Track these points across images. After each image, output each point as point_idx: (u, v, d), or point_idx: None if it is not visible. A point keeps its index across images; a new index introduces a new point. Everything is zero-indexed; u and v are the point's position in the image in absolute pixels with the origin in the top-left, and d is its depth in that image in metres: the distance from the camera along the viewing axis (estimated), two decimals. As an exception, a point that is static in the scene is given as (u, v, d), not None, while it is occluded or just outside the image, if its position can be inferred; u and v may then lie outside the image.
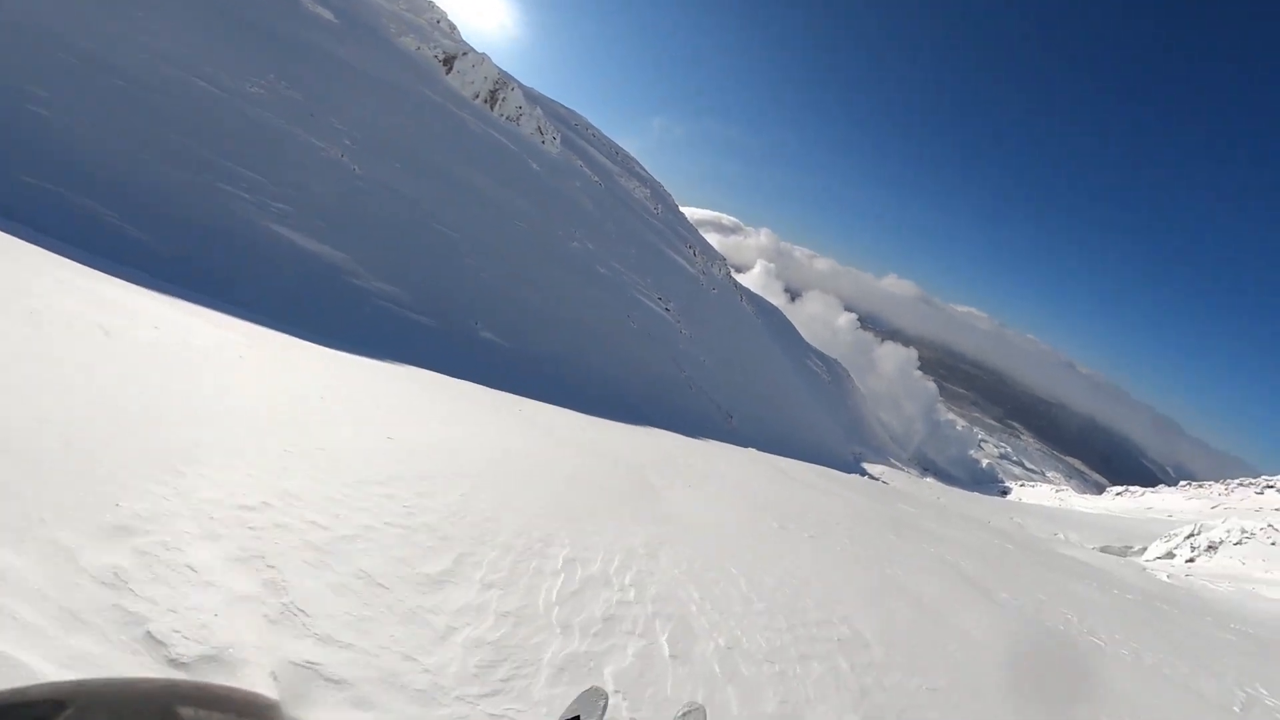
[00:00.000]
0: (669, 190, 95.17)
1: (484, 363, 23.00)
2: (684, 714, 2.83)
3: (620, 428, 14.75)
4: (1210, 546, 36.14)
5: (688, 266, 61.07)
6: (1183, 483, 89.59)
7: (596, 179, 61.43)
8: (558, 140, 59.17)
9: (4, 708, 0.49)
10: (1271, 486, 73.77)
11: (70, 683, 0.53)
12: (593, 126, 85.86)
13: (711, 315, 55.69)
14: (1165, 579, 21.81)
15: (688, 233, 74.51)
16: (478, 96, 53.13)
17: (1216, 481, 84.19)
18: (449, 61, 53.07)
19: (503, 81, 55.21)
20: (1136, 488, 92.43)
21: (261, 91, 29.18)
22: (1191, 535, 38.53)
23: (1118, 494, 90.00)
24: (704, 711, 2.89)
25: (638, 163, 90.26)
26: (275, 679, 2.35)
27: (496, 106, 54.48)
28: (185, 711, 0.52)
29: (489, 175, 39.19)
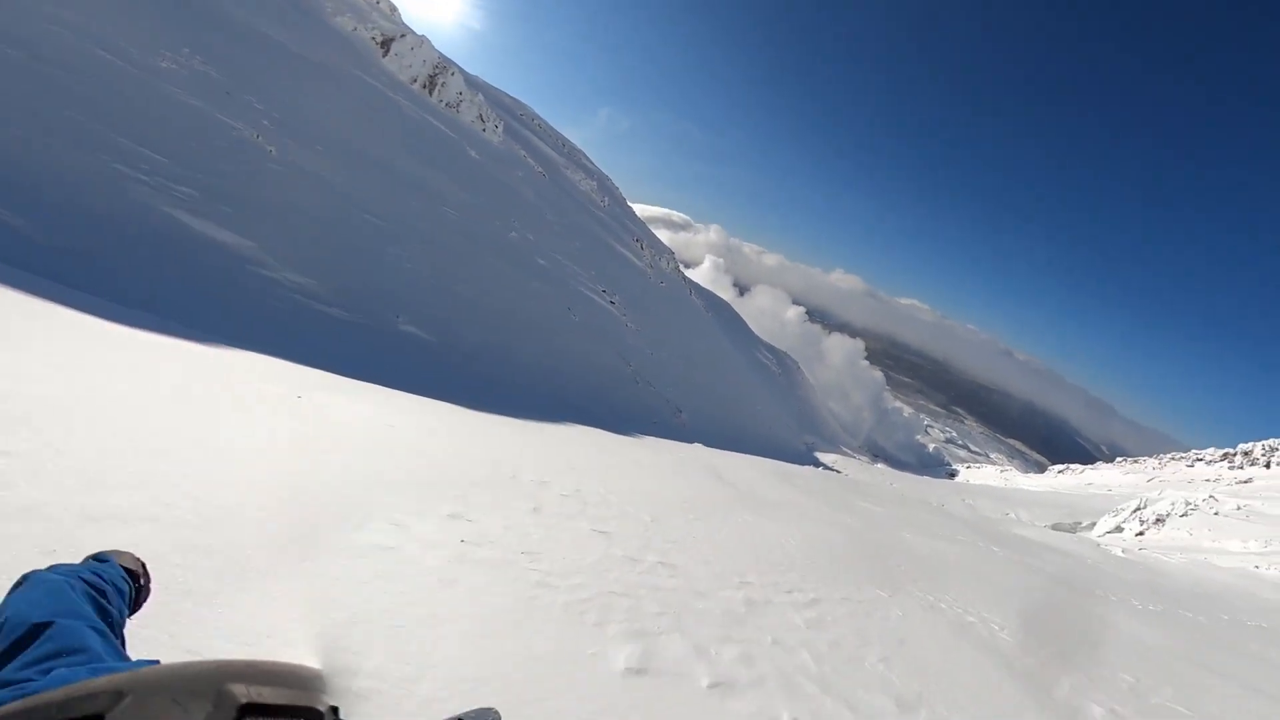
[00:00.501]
0: (618, 185, 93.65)
1: (402, 358, 21.04)
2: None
3: (531, 430, 13.10)
4: (1158, 519, 37.03)
5: (635, 260, 59.63)
6: (1119, 459, 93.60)
7: (540, 170, 59.48)
8: (500, 129, 56.96)
9: (67, 701, 0.53)
10: (1201, 459, 77.74)
11: (126, 673, 0.56)
12: (539, 117, 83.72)
13: (660, 309, 54.40)
14: (1121, 554, 21.65)
15: (635, 226, 73.08)
16: (415, 81, 50.62)
17: (1150, 457, 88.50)
18: (386, 44, 50.35)
19: (443, 66, 52.71)
20: (1077, 465, 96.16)
21: (173, 67, 26.76)
22: (1138, 509, 39.45)
23: (1060, 472, 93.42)
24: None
25: (585, 155, 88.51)
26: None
27: (435, 92, 52.05)
28: (238, 688, 0.55)
29: (423, 162, 36.94)
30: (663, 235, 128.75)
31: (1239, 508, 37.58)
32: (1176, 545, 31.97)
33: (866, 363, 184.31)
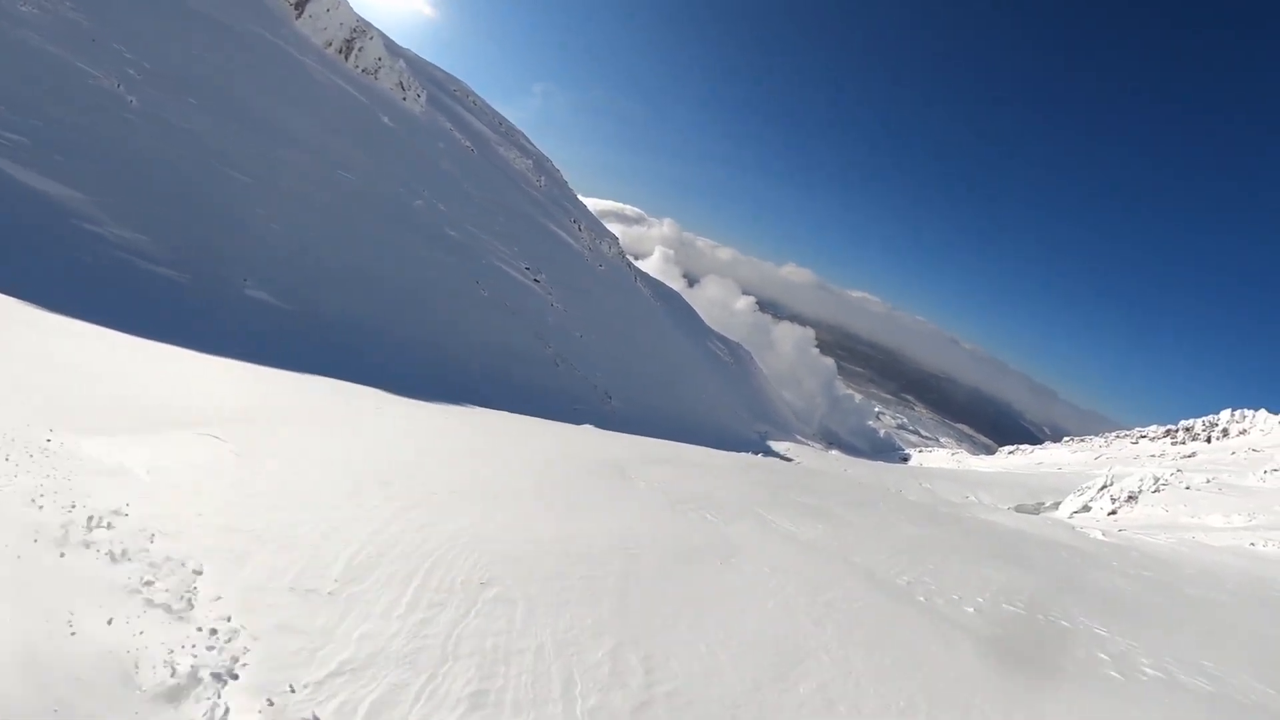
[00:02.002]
0: (568, 176, 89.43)
1: (244, 325, 16.99)
2: None
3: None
4: (1130, 497, 35.27)
5: (571, 241, 55.84)
6: (1065, 438, 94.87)
7: (468, 144, 55.22)
8: (422, 98, 52.49)
9: None
10: (1145, 436, 79.17)
11: None
12: (474, 94, 79.24)
13: (597, 292, 50.80)
14: (1100, 536, 19.20)
15: (573, 207, 69.12)
16: (330, 45, 45.91)
17: (1095, 435, 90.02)
18: (301, 5, 45.55)
19: (361, 30, 48.04)
20: (1026, 445, 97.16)
21: (34, 11, 23.96)
22: (1106, 486, 37.71)
23: (1010, 453, 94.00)
24: None
25: (524, 135, 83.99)
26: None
27: (352, 57, 47.38)
28: None
29: (321, 124, 32.56)
30: (615, 228, 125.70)
31: (1209, 481, 36.41)
32: (1155, 523, 30.06)
33: (817, 351, 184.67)
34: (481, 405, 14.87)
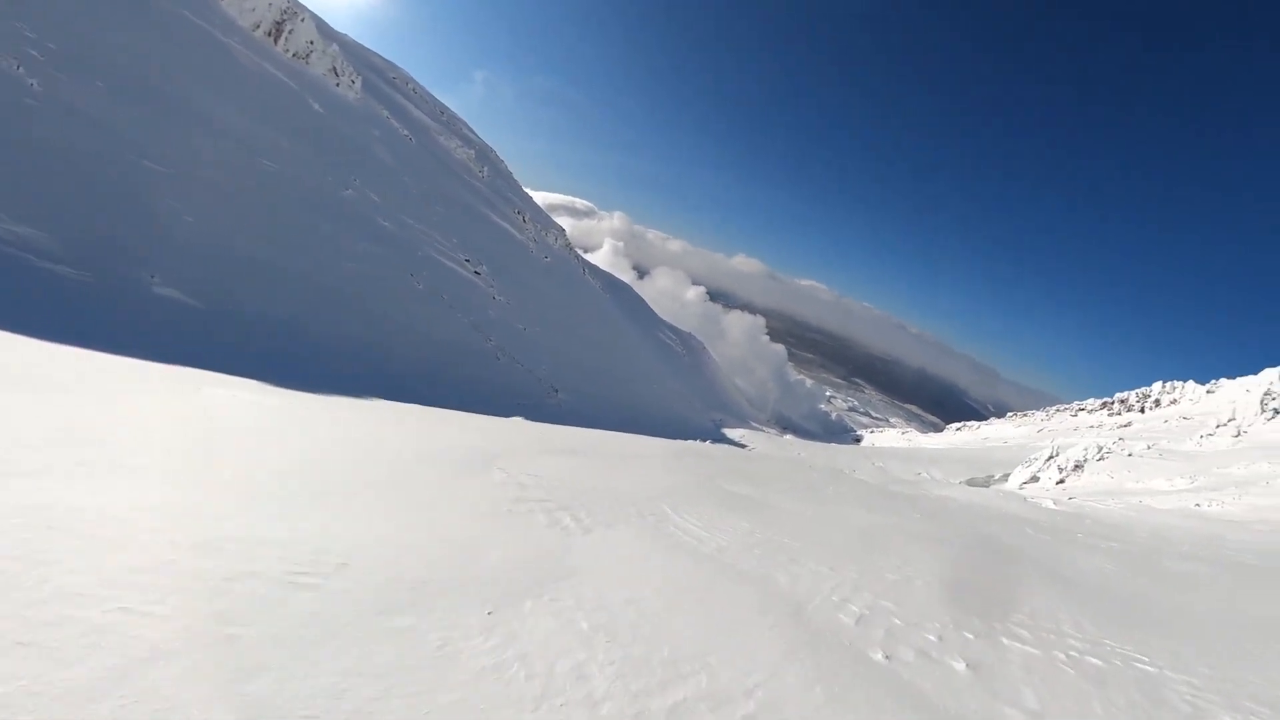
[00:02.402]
0: (516, 169, 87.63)
1: (150, 326, 15.90)
2: None
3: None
4: (1076, 466, 36.88)
5: (515, 233, 54.80)
6: (1009, 414, 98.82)
7: (406, 132, 53.52)
8: (357, 84, 50.55)
9: None
10: (1083, 409, 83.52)
11: None
12: (414, 81, 77.03)
13: (542, 284, 50.03)
14: (1052, 505, 19.87)
15: (517, 198, 67.89)
16: (259, 27, 43.72)
17: (1037, 410, 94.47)
18: None
19: (291, 12, 45.81)
20: (973, 422, 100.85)
21: None
22: (1052, 457, 39.34)
23: (958, 429, 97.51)
24: None
25: (467, 125, 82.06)
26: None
27: (282, 40, 45.25)
28: None
29: (245, 110, 30.85)
30: (565, 222, 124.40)
31: (1149, 447, 38.37)
32: (1101, 489, 31.37)
33: (767, 338, 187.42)
34: (415, 403, 14.20)
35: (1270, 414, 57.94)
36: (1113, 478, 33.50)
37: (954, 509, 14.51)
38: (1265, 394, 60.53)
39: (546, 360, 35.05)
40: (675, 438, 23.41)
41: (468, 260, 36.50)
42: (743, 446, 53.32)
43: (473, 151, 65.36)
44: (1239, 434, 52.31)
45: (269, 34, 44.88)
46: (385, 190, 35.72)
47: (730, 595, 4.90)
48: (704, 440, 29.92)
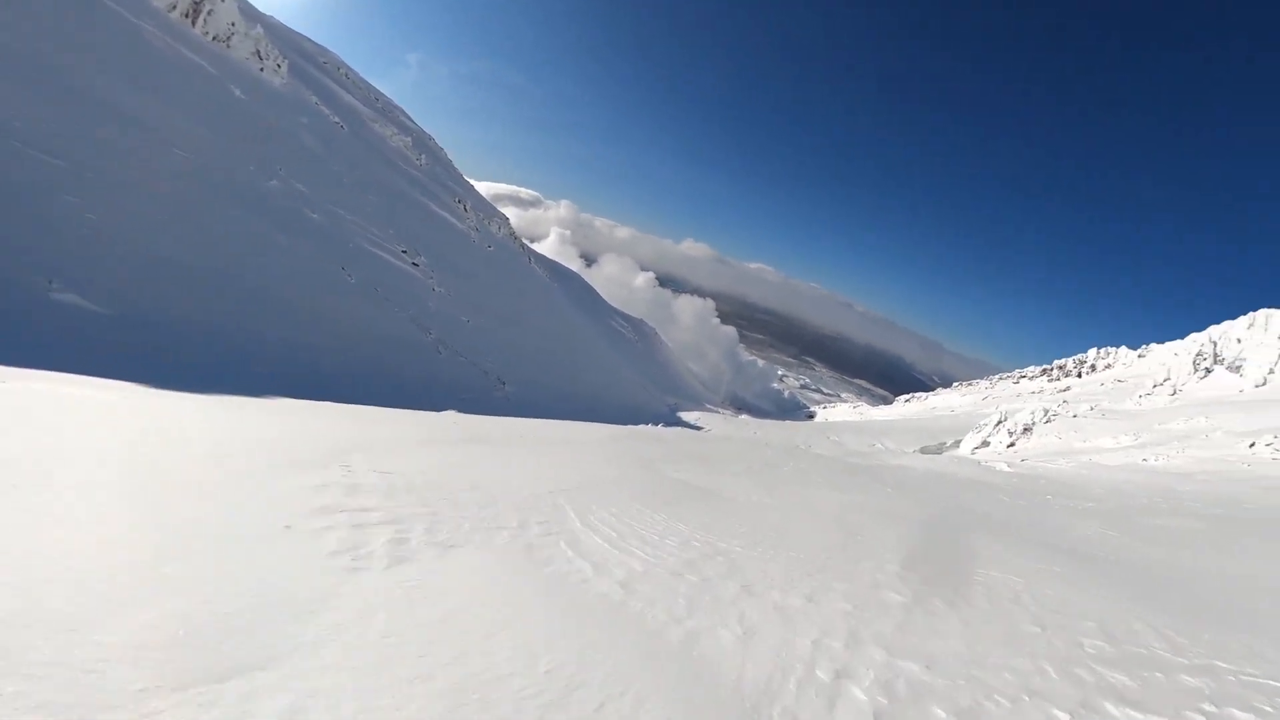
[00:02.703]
0: (458, 158, 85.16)
1: (49, 336, 14.71)
2: None
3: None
4: (1025, 429, 38.27)
5: (456, 221, 53.30)
6: (955, 384, 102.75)
7: (337, 119, 51.30)
8: (284, 68, 48.06)
9: None
10: (1025, 376, 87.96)
11: None
12: (346, 66, 74.05)
13: (485, 273, 48.87)
14: (1006, 468, 20.47)
15: (458, 186, 66.12)
16: (174, 8, 40.99)
17: (981, 379, 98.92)
18: None
19: (211, -11, 43.12)
20: (921, 393, 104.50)
21: None
22: (1001, 422, 40.75)
23: (906, 401, 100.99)
24: None
25: (404, 112, 79.34)
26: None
27: (200, 22, 42.58)
28: None
29: (158, 98, 28.74)
30: (511, 212, 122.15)
31: (1092, 409, 40.19)
32: (1051, 450, 32.66)
33: (718, 321, 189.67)
34: (349, 403, 13.53)
35: (1202, 373, 62.11)
36: (1060, 438, 34.87)
37: (917, 478, 14.41)
38: (1197, 355, 64.81)
39: (493, 352, 34.30)
40: (629, 424, 23.19)
41: (405, 251, 35.28)
42: (698, 429, 53.67)
43: (409, 139, 63.21)
44: (1175, 392, 55.75)
45: (186, 15, 42.21)
46: (313, 180, 34.13)
47: (617, 711, 2.61)
48: (658, 425, 29.86)
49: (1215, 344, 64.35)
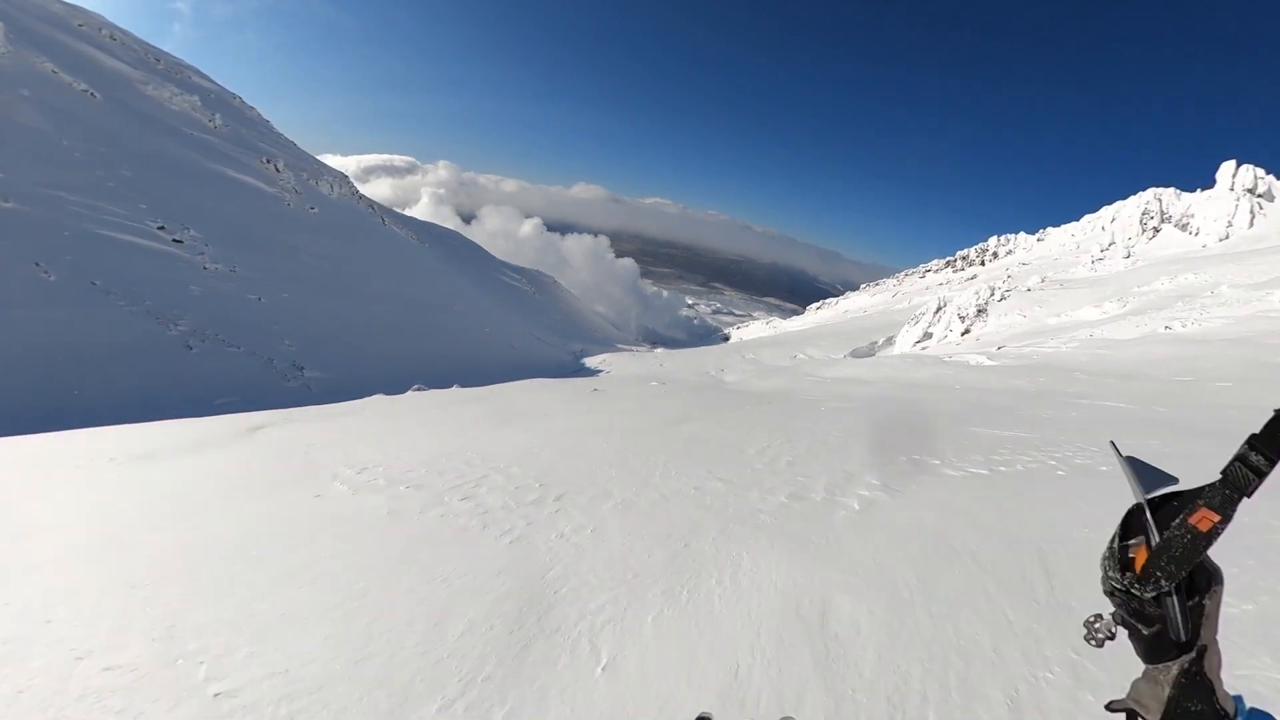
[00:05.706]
0: (310, 136, 74.36)
1: None
2: None
3: None
4: (980, 311, 34.02)
5: (263, 185, 45.60)
6: (862, 285, 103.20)
7: (84, 87, 42.06)
8: (-1, 37, 38.50)
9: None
10: (930, 270, 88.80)
11: None
12: (112, 26, 62.19)
13: (304, 241, 42.05)
14: (987, 361, 16.86)
15: (271, 146, 57.25)
16: None
17: (886, 279, 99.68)
18: None
19: None
20: (830, 299, 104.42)
21: None
22: (940, 309, 36.59)
23: (818, 309, 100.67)
24: None
25: (197, 71, 67.94)
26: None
27: None
28: None
29: None
30: (385, 181, 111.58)
31: (1043, 280, 37.82)
32: (1024, 331, 28.74)
33: (613, 255, 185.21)
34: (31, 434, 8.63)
35: (1150, 233, 63.26)
36: (1025, 316, 31.00)
37: (872, 398, 10.58)
38: (1144, 213, 65.82)
39: (292, 333, 28.65)
40: (515, 379, 18.93)
41: (161, 228, 28.58)
42: (595, 373, 49.81)
43: (195, 98, 53.60)
44: (1129, 254, 55.86)
45: None
46: (21, 162, 26.76)
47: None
48: (557, 377, 25.57)
49: (1161, 201, 65.79)
